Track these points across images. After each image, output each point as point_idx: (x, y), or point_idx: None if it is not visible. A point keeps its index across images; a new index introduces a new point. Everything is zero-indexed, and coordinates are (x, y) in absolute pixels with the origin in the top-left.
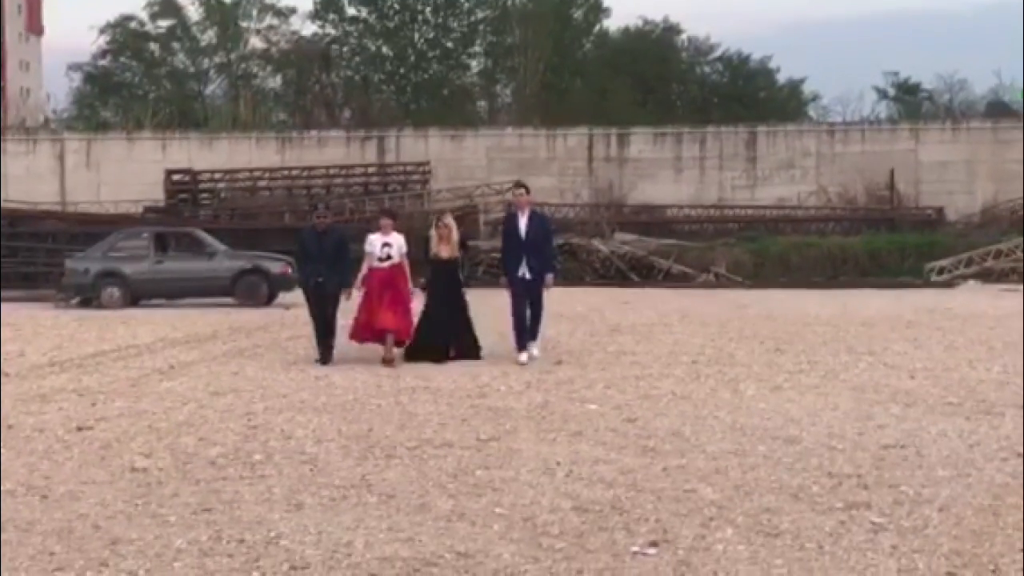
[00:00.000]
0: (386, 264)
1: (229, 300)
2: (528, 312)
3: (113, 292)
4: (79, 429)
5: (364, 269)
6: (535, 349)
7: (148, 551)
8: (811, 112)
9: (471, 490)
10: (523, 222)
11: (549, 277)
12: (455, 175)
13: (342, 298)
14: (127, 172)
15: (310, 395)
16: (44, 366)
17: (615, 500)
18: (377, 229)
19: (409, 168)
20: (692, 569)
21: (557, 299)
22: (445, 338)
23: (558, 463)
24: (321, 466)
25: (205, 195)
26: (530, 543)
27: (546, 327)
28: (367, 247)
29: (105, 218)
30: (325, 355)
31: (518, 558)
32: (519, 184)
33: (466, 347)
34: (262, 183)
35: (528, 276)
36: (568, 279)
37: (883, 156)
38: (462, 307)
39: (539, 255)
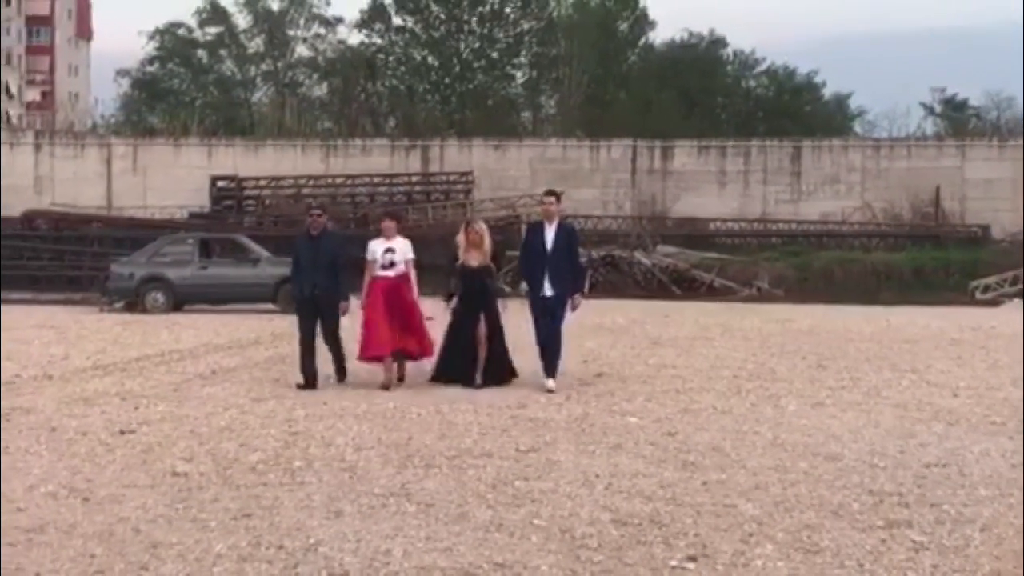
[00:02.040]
0: (390, 272)
1: (272, 307)
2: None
3: (157, 297)
4: (121, 433)
5: (367, 278)
6: (551, 383)
7: (188, 555)
8: (857, 127)
9: (510, 501)
10: (550, 233)
11: (577, 297)
12: (498, 185)
13: (340, 313)
14: (173, 178)
15: (351, 402)
16: (88, 369)
17: (654, 514)
18: (379, 234)
19: (453, 178)
20: None
21: (598, 311)
22: (475, 358)
23: (597, 475)
24: (361, 474)
25: (250, 202)
26: (568, 555)
27: (584, 339)
28: (368, 255)
29: (150, 223)
30: (337, 374)
31: (556, 570)
32: (549, 192)
33: (499, 370)
34: (306, 191)
35: (551, 294)
36: (610, 291)
37: (929, 172)
38: (495, 322)
39: (564, 272)
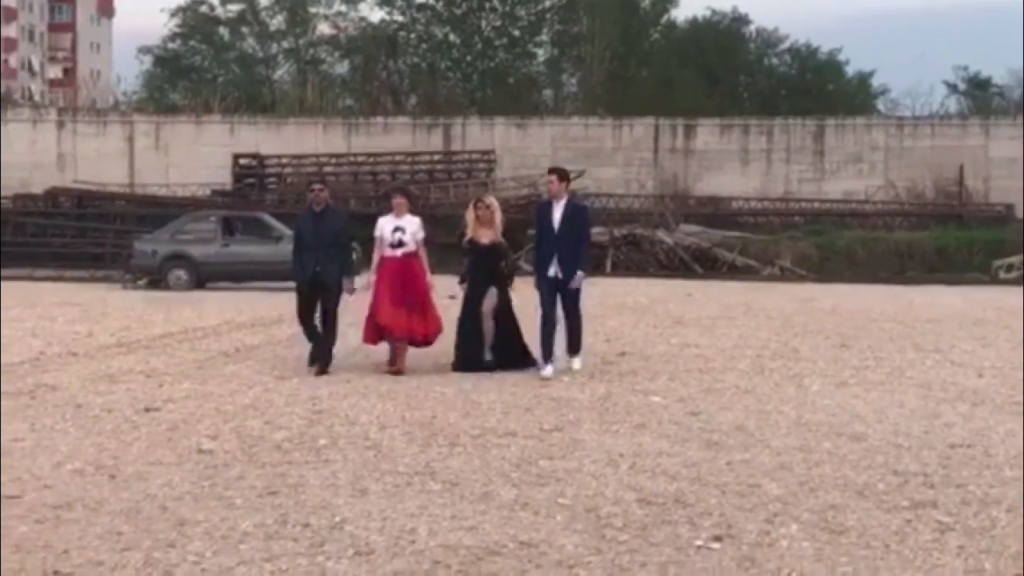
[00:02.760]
0: (399, 252)
1: (294, 284)
2: (563, 319)
3: (180, 274)
4: (147, 410)
5: (376, 258)
6: (577, 362)
7: (215, 533)
8: (880, 105)
9: (534, 480)
10: (557, 213)
11: (579, 275)
12: (520, 164)
13: (344, 294)
14: (195, 155)
15: (374, 381)
16: (112, 347)
17: (679, 493)
18: (389, 210)
19: (474, 156)
20: (756, 564)
21: (620, 290)
22: (479, 342)
23: (621, 455)
24: (385, 452)
25: (272, 180)
26: (593, 534)
27: (607, 318)
28: (376, 232)
29: (173, 201)
30: (320, 361)
31: (581, 549)
32: (552, 170)
33: (512, 353)
34: (328, 169)
35: (560, 275)
36: (631, 270)
37: (953, 151)
38: (505, 302)
39: (572, 252)
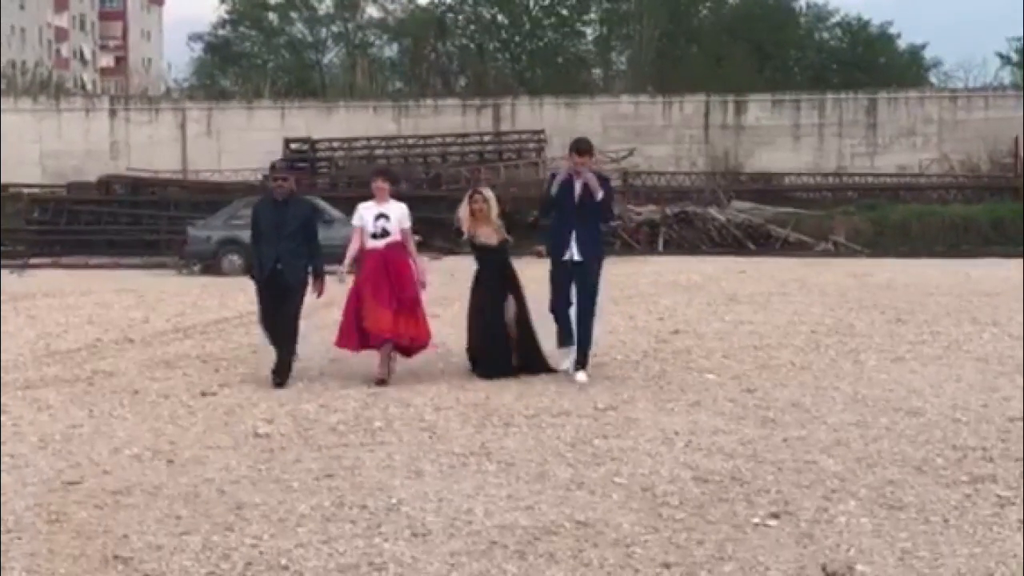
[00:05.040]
0: (382, 243)
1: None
2: (574, 312)
3: (234, 259)
4: (203, 395)
5: (354, 248)
6: (582, 375)
7: (272, 516)
8: (932, 78)
9: (590, 459)
10: (579, 188)
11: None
12: (570, 143)
13: (309, 291)
14: (247, 140)
15: (427, 362)
16: (168, 332)
17: (735, 471)
18: (371, 195)
19: (524, 136)
20: (815, 541)
21: (673, 268)
22: (505, 348)
23: (677, 433)
24: (440, 433)
25: (323, 164)
26: (650, 513)
27: (660, 296)
28: (355, 220)
29: (226, 186)
30: (281, 372)
31: (638, 528)
32: (580, 145)
33: (529, 360)
34: (379, 152)
35: (577, 258)
36: (684, 248)
37: (1007, 123)
38: (523, 314)
39: (594, 231)
